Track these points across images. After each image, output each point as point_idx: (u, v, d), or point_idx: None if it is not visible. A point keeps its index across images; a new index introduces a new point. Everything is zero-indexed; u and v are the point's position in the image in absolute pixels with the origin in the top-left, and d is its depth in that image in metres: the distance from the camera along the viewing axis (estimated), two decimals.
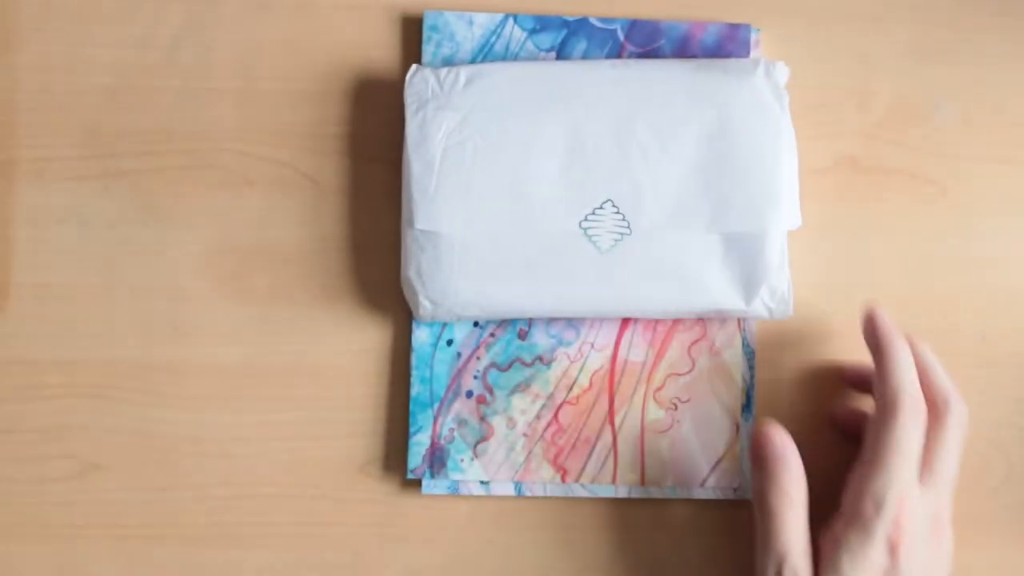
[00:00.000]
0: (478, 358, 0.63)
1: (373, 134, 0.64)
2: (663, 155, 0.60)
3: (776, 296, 0.61)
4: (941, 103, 0.65)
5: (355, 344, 0.64)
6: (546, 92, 0.61)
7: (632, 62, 0.61)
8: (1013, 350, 0.65)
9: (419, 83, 0.61)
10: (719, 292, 0.61)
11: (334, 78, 0.64)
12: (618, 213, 0.60)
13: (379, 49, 0.64)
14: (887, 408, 0.56)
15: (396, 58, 0.64)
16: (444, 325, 0.63)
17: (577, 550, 0.64)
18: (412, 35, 0.64)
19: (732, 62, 0.61)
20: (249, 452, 0.64)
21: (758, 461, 0.58)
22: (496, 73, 0.61)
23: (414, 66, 0.62)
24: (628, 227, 0.60)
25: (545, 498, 0.65)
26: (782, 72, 0.61)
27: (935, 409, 0.58)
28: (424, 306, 0.61)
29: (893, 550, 0.55)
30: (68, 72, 0.64)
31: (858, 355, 0.65)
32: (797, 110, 0.64)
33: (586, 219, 0.60)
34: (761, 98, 0.60)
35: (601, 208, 0.60)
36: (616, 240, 0.60)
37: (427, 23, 0.63)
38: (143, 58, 0.64)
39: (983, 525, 0.65)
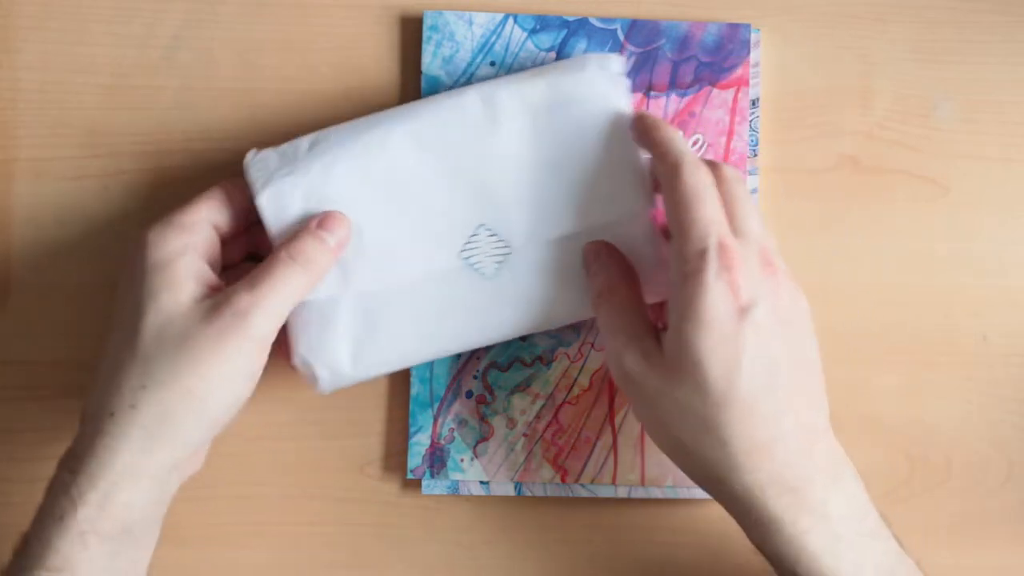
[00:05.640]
0: (478, 358, 0.63)
1: None
2: (519, 167, 0.59)
3: (659, 280, 0.60)
4: (941, 103, 0.65)
5: None
6: (392, 138, 0.58)
7: (468, 89, 0.59)
8: (1013, 350, 0.65)
9: (260, 163, 0.58)
10: None
11: (334, 78, 0.64)
12: (493, 235, 0.59)
13: (379, 49, 0.64)
14: (670, 172, 0.55)
15: (396, 58, 0.64)
16: None
17: (577, 550, 0.64)
18: (412, 35, 0.64)
19: (566, 63, 0.60)
20: (249, 452, 0.64)
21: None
22: (337, 132, 0.59)
23: (251, 151, 0.59)
24: (507, 246, 0.59)
25: (545, 498, 0.65)
26: (616, 62, 0.60)
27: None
28: (324, 379, 0.59)
29: (733, 288, 0.52)
30: (68, 72, 0.64)
31: (857, 354, 0.65)
32: (797, 110, 0.64)
33: (464, 249, 0.59)
34: (600, 90, 0.59)
35: (475, 235, 0.59)
36: (499, 262, 0.59)
37: (427, 23, 0.63)
38: (143, 58, 0.64)
39: (983, 525, 0.65)
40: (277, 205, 0.58)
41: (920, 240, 0.65)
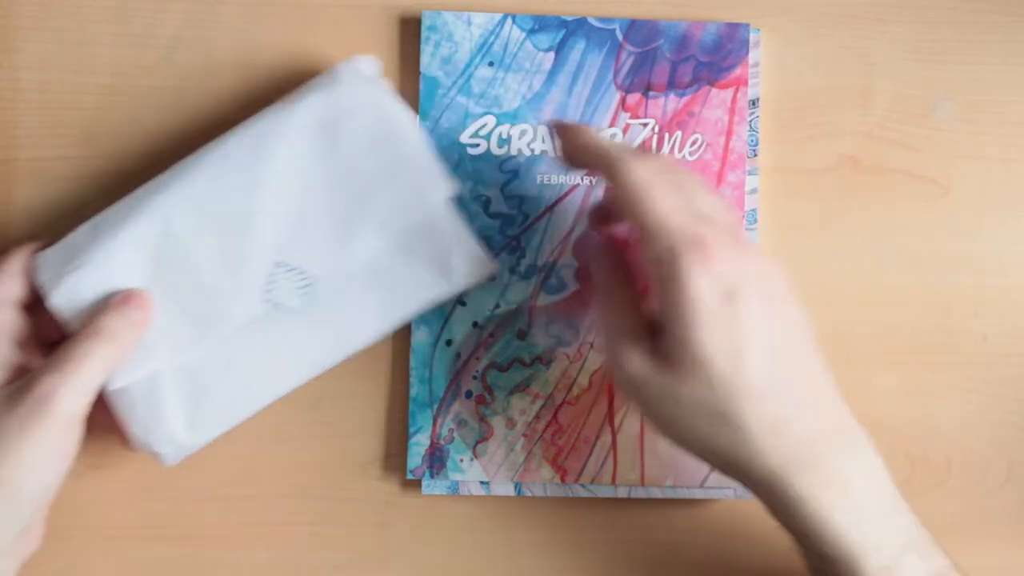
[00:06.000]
0: (477, 358, 0.63)
1: None
2: (298, 197, 0.58)
3: (472, 260, 0.60)
4: (941, 103, 0.65)
5: None
6: (170, 206, 0.58)
7: (230, 135, 0.59)
8: (1013, 350, 0.65)
9: (45, 264, 0.58)
10: (422, 285, 0.60)
11: None
12: (292, 270, 0.59)
13: (378, 49, 0.64)
14: (610, 174, 0.53)
15: (395, 58, 0.64)
16: (443, 325, 0.63)
17: (577, 550, 0.64)
18: (411, 35, 0.64)
19: (319, 79, 0.60)
20: (249, 452, 0.64)
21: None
22: (116, 212, 0.59)
23: (38, 256, 0.59)
24: (307, 276, 0.59)
25: (545, 498, 0.65)
26: (367, 64, 0.60)
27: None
28: (167, 453, 0.59)
29: (714, 278, 0.51)
30: (68, 72, 0.64)
31: (857, 354, 0.65)
32: (797, 110, 0.64)
33: (267, 292, 0.59)
34: (360, 97, 0.59)
35: (273, 275, 0.59)
36: (304, 293, 0.59)
37: (425, 23, 0.63)
38: (142, 58, 0.64)
39: (983, 525, 0.65)
40: (71, 301, 0.57)
41: (920, 240, 0.65)
